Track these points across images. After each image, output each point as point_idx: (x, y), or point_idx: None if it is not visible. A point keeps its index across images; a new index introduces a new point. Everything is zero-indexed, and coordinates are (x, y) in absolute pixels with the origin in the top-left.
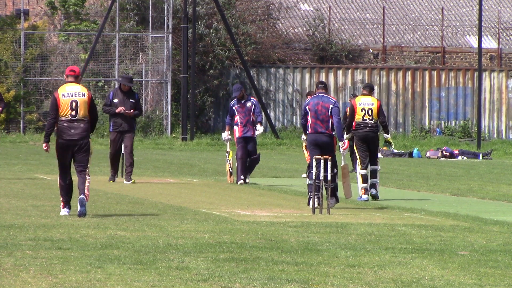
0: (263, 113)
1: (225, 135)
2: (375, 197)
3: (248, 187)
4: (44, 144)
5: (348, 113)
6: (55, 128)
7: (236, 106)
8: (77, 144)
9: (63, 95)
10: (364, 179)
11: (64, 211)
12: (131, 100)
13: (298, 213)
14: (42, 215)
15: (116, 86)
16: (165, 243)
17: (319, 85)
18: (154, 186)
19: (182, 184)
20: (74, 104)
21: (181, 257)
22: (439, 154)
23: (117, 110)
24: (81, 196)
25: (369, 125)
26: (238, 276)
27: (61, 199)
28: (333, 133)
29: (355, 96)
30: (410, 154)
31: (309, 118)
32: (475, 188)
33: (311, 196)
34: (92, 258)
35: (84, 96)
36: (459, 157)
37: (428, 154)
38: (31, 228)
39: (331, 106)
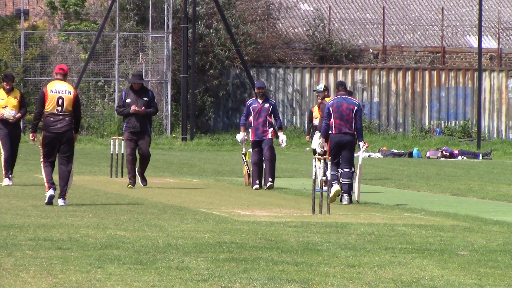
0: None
1: (241, 136)
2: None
3: (248, 187)
4: (31, 134)
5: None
6: (41, 121)
7: (253, 106)
8: (63, 137)
9: (51, 90)
10: (325, 172)
11: (50, 192)
12: (144, 98)
13: (298, 213)
14: (42, 215)
15: (128, 86)
16: (165, 243)
17: (340, 87)
18: (154, 186)
19: (182, 184)
20: (60, 100)
21: (181, 257)
22: (439, 154)
23: (131, 110)
24: (61, 203)
25: None
26: (238, 276)
27: (46, 184)
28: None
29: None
30: (410, 154)
31: (332, 119)
32: (475, 188)
33: (334, 184)
34: (92, 258)
35: (70, 94)
36: (459, 157)
37: (428, 154)
38: (31, 228)
39: (355, 108)
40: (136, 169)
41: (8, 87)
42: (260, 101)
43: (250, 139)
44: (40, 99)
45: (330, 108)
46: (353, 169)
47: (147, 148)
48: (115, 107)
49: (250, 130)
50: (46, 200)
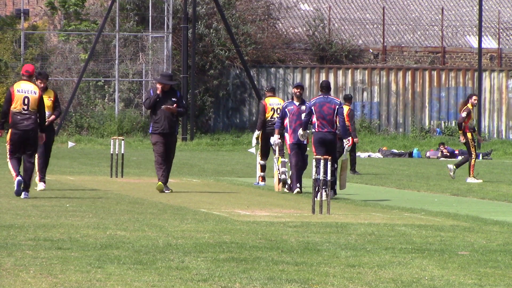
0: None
1: (275, 139)
2: (284, 182)
3: (248, 187)
4: None
5: (260, 113)
6: (9, 119)
7: (289, 108)
8: (29, 134)
9: (17, 90)
10: (263, 168)
11: (18, 178)
12: (173, 98)
13: (298, 213)
14: (42, 215)
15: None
16: (165, 243)
17: (323, 88)
18: (154, 186)
19: (182, 184)
20: (26, 100)
21: (181, 257)
22: (439, 154)
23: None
24: (24, 196)
25: (273, 122)
26: (238, 276)
27: (13, 173)
28: (337, 131)
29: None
30: (410, 154)
31: (315, 118)
32: (475, 188)
33: (319, 190)
34: (92, 258)
35: (35, 94)
36: (459, 157)
37: (428, 154)
38: (31, 228)
39: (337, 107)
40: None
41: (42, 85)
42: (297, 103)
43: (288, 143)
44: (7, 98)
45: (313, 108)
46: (335, 166)
47: (173, 152)
48: (143, 102)
49: (287, 133)
50: (16, 188)
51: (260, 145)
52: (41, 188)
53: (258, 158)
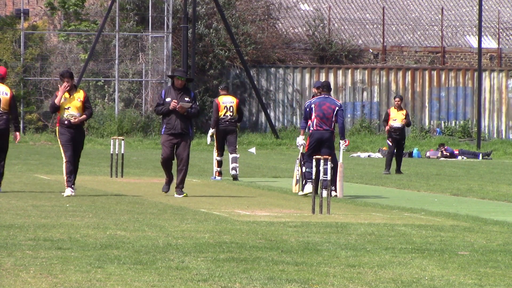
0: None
1: (300, 139)
2: (235, 177)
3: (248, 187)
4: None
5: (213, 111)
6: None
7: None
8: (1, 133)
9: None
10: (219, 164)
11: None
12: (186, 98)
13: (298, 213)
14: (42, 215)
15: (169, 84)
16: (165, 243)
17: (324, 88)
18: (154, 186)
19: None
20: None
21: (181, 257)
22: (439, 154)
23: (170, 107)
24: None
25: (230, 120)
26: (238, 276)
27: None
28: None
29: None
30: (410, 154)
31: (313, 116)
32: (475, 188)
33: (308, 182)
34: (92, 258)
35: (7, 95)
36: (459, 157)
37: (428, 154)
38: (31, 228)
39: (337, 108)
40: (177, 179)
41: (68, 84)
42: None
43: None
44: None
45: (313, 106)
46: (332, 165)
47: (186, 153)
48: (154, 107)
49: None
50: None
51: (215, 142)
52: (68, 194)
53: (215, 154)
